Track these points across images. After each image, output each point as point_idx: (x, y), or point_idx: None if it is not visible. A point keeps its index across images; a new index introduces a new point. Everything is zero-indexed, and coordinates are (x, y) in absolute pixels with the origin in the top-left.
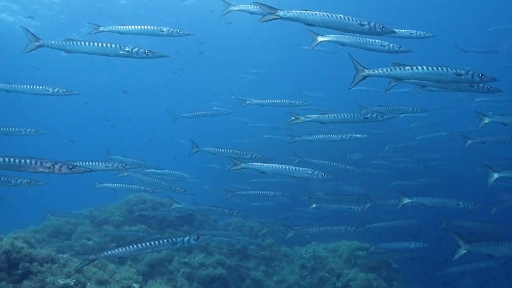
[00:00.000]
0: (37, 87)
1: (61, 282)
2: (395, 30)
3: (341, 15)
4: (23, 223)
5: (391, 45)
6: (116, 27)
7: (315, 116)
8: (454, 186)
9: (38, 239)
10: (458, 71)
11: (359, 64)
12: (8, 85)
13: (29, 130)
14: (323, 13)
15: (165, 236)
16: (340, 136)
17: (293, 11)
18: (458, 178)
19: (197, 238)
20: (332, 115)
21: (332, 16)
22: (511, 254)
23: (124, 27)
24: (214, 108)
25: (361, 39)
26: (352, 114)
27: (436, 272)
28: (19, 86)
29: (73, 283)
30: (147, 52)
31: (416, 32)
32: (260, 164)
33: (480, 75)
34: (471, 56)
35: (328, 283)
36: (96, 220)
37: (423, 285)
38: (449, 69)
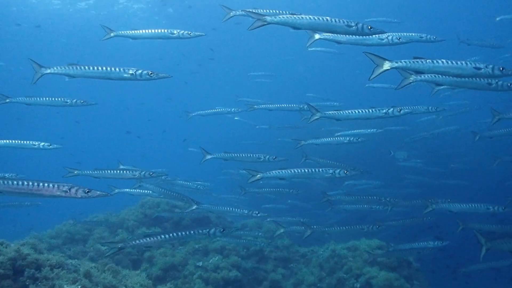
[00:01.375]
0: (56, 99)
1: None
2: (403, 34)
3: (328, 17)
4: (38, 227)
5: (389, 37)
6: (128, 32)
7: (331, 112)
8: (477, 186)
9: (53, 245)
10: (477, 65)
11: (379, 57)
12: (28, 99)
13: (42, 144)
14: (310, 16)
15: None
16: (348, 138)
17: (280, 16)
18: (481, 177)
19: (223, 231)
20: (348, 112)
21: (319, 18)
22: None
23: (135, 31)
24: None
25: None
26: (368, 110)
27: (459, 269)
28: (39, 99)
29: None
30: (151, 73)
31: (426, 36)
32: (279, 171)
33: (501, 68)
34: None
35: (347, 284)
36: (112, 225)
37: (445, 282)
38: (468, 63)
